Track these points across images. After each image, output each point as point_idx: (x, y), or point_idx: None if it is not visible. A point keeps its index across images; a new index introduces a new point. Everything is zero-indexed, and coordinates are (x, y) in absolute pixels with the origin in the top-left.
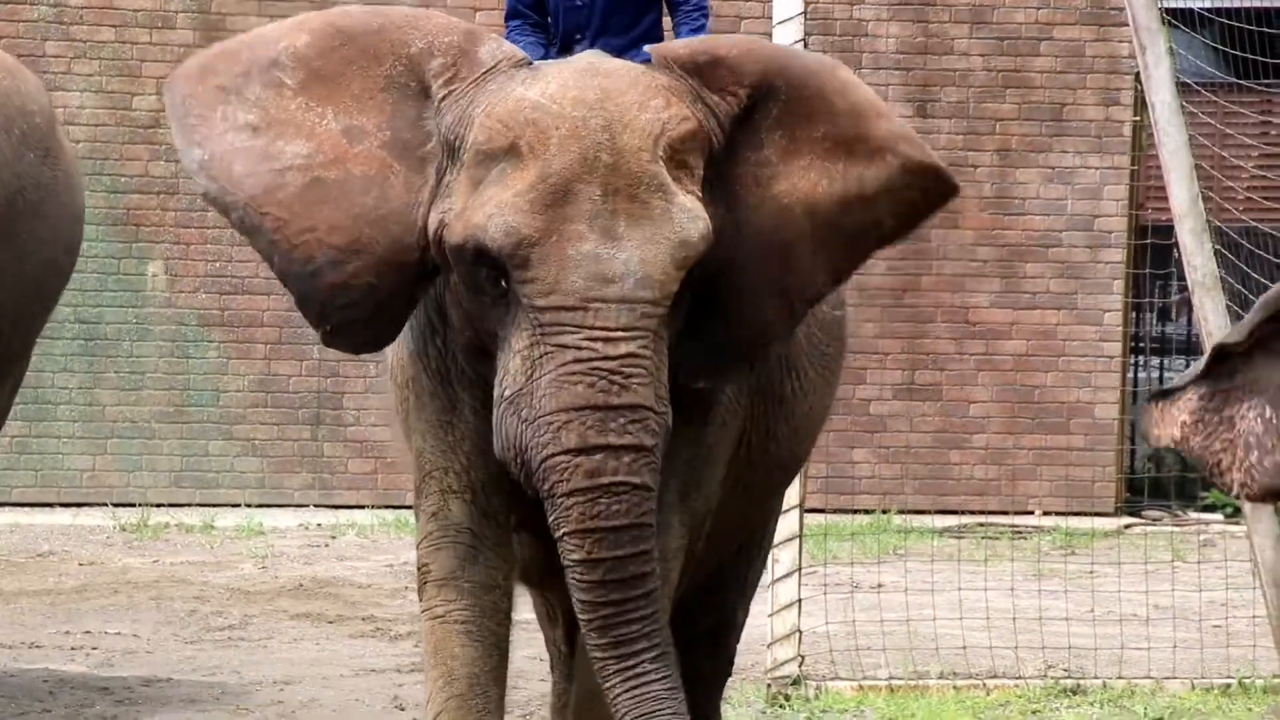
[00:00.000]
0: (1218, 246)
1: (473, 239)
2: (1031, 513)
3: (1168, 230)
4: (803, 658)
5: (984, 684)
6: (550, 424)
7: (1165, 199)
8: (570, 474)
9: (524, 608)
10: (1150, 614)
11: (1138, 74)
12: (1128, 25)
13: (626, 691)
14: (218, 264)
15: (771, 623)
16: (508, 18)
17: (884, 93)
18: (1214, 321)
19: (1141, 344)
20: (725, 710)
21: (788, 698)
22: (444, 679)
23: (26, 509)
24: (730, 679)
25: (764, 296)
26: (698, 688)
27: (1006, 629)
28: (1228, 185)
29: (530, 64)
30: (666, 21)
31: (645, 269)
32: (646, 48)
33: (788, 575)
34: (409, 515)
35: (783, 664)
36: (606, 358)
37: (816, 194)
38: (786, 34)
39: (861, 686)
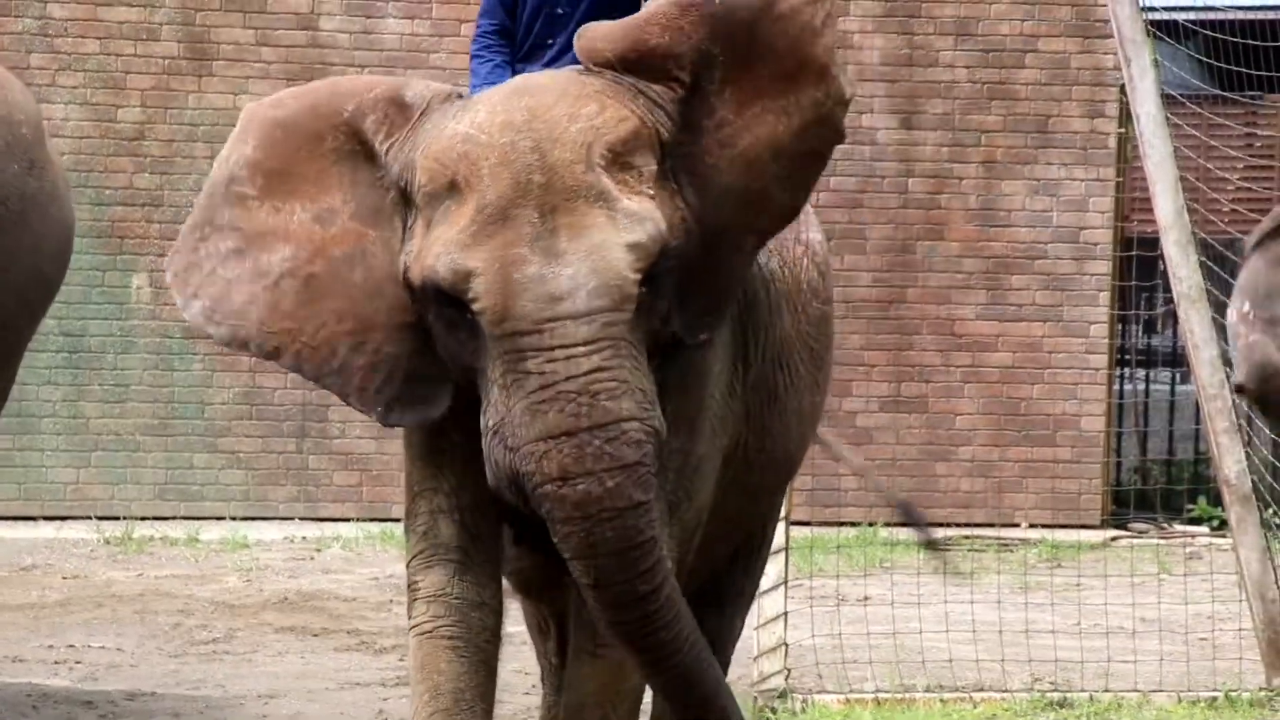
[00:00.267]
0: (1203, 258)
1: (429, 280)
2: (1018, 525)
3: (1153, 242)
4: (789, 671)
5: (970, 697)
6: (531, 454)
7: (1150, 211)
8: (560, 504)
9: (510, 621)
10: (1136, 627)
11: (1123, 86)
12: (1113, 37)
13: (674, 695)
14: None
15: (758, 635)
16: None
17: (869, 104)
18: (1199, 333)
19: (1127, 356)
20: None
21: (774, 711)
22: (429, 694)
23: (9, 522)
24: None
25: (742, 240)
26: None
27: (993, 642)
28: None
29: (459, 96)
30: None
31: (597, 279)
32: (578, 53)
33: (774, 588)
34: (395, 528)
35: (769, 677)
36: (570, 377)
37: (778, 134)
38: None
39: (848, 700)
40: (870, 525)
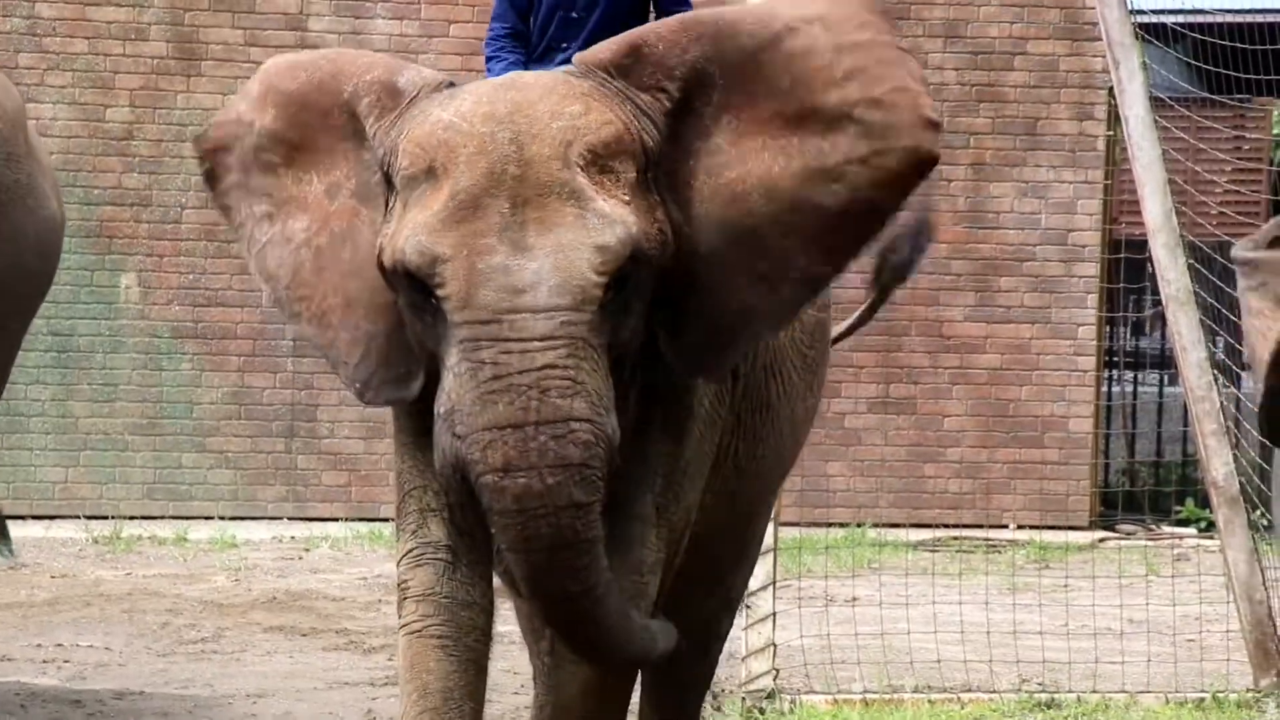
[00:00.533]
0: (1191, 261)
1: (398, 262)
2: (1006, 526)
3: (1141, 245)
4: (777, 671)
5: (958, 698)
6: (477, 442)
7: (1139, 213)
8: (499, 495)
9: (500, 621)
10: (1124, 628)
11: (1111, 89)
12: (1101, 40)
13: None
14: (191, 276)
15: (746, 636)
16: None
17: None
18: (1187, 336)
19: (1115, 358)
20: None
21: (762, 711)
22: (418, 693)
23: None
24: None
25: (741, 283)
26: (680, 695)
27: (981, 643)
28: (1201, 200)
29: (451, 85)
30: None
31: (560, 276)
32: (574, 56)
33: (762, 589)
34: (383, 528)
35: (757, 678)
36: (523, 371)
37: (773, 175)
38: None
39: (836, 700)
40: (858, 526)
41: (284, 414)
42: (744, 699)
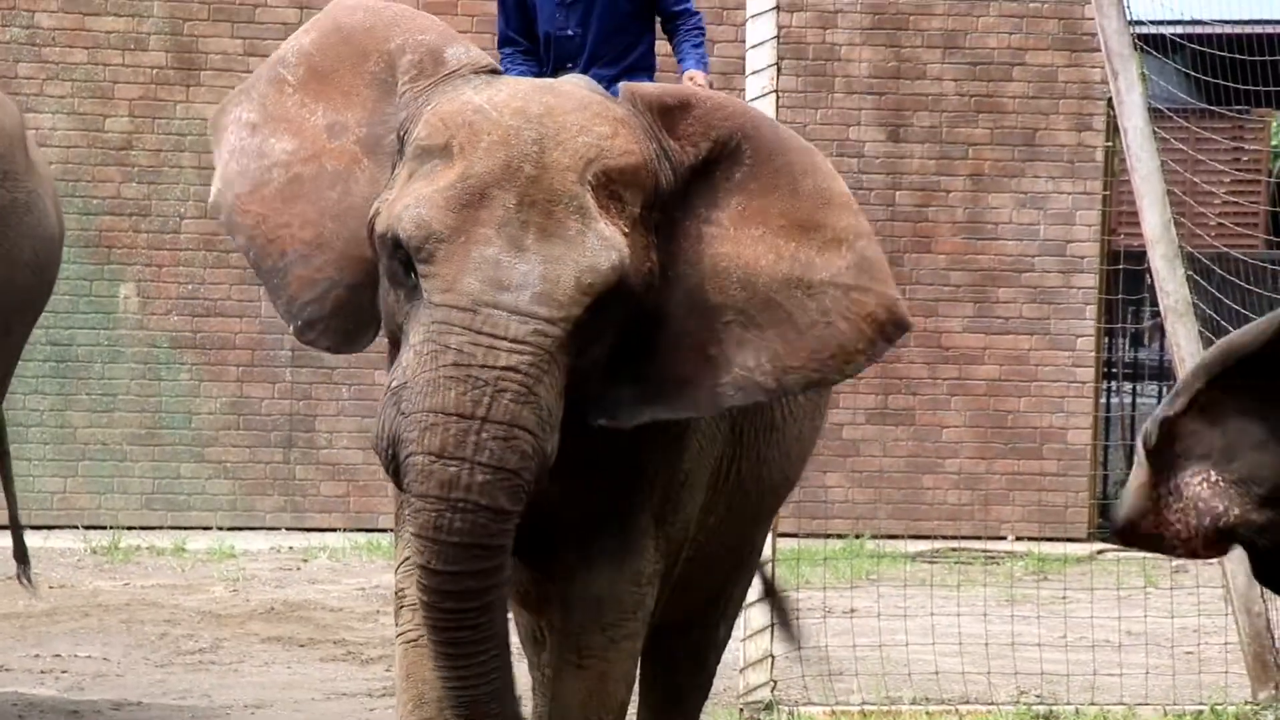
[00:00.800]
0: (1190, 272)
1: (391, 229)
2: (1004, 538)
3: (1140, 255)
4: (775, 682)
5: (957, 709)
6: (419, 422)
7: (1138, 224)
8: (425, 478)
9: None
10: (1123, 640)
11: (1110, 99)
12: (1100, 51)
13: (455, 692)
14: (190, 286)
15: (744, 647)
16: (500, 45)
17: (856, 117)
18: (1186, 347)
19: (1114, 369)
20: None
21: None
22: (414, 702)
23: None
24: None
25: (685, 355)
26: (678, 706)
27: (979, 654)
28: (1200, 211)
29: (494, 72)
30: (659, 46)
31: (545, 285)
32: (620, 85)
33: (760, 600)
34: (381, 538)
35: (755, 689)
36: (486, 366)
37: (758, 267)
38: (760, 58)
39: (834, 711)
40: (857, 537)
41: (282, 424)
42: (742, 710)
